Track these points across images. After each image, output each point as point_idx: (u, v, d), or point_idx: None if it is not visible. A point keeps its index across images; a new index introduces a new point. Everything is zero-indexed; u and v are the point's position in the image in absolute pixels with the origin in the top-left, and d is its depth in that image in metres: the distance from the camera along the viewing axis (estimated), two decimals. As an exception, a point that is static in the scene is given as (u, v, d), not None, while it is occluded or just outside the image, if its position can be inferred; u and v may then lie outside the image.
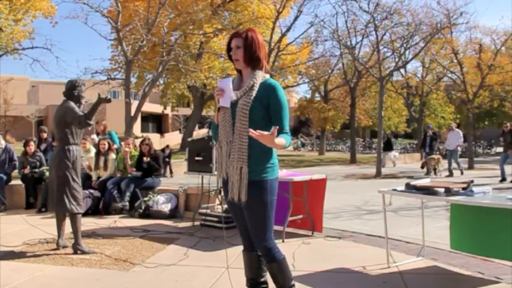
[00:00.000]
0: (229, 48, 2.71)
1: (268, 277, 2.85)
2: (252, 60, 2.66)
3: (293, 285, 2.77)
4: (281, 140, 2.53)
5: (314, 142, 37.98)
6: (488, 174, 15.03)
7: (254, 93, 2.61)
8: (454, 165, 14.49)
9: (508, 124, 13.21)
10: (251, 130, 2.46)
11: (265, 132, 2.44)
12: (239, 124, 2.59)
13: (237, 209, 2.72)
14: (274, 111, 2.62)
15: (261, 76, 2.67)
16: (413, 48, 18.36)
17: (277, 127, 2.50)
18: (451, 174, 14.14)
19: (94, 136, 8.75)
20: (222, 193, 2.90)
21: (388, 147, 19.77)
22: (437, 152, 16.38)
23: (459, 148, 14.84)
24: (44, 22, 73.95)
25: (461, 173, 14.25)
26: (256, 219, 2.65)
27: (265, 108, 2.62)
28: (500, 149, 39.33)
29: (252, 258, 2.82)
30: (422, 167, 15.24)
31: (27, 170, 7.66)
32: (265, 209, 2.64)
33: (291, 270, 2.83)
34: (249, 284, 2.85)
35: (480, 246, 4.03)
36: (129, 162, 7.42)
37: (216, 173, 5.74)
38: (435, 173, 14.68)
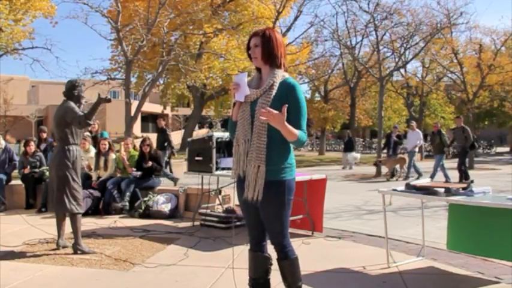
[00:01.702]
0: (248, 48, 2.74)
1: (269, 277, 2.85)
2: (270, 58, 2.68)
3: (300, 286, 2.77)
4: (295, 130, 2.54)
5: (314, 142, 38.00)
6: (484, 174, 14.98)
7: (274, 92, 2.62)
8: (433, 168, 13.24)
9: (439, 124, 12.44)
10: (262, 110, 2.49)
11: (275, 111, 2.46)
12: (258, 123, 2.59)
13: (250, 207, 2.71)
14: (292, 110, 2.61)
15: (280, 75, 2.67)
16: (413, 48, 18.38)
17: (286, 108, 2.49)
18: (419, 176, 12.93)
19: (87, 133, 8.74)
20: (236, 191, 2.87)
21: (349, 147, 18.59)
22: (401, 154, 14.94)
23: (416, 149, 13.50)
24: (44, 22, 74.01)
25: (405, 178, 12.76)
26: (272, 218, 2.67)
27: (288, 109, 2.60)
28: (500, 149, 39.16)
29: (258, 258, 2.81)
30: (375, 165, 14.50)
31: (27, 170, 7.66)
32: (282, 208, 2.65)
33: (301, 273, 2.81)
34: (252, 284, 2.84)
35: (479, 246, 4.03)
36: (127, 163, 7.41)
37: (218, 172, 5.76)
38: (392, 176, 13.75)
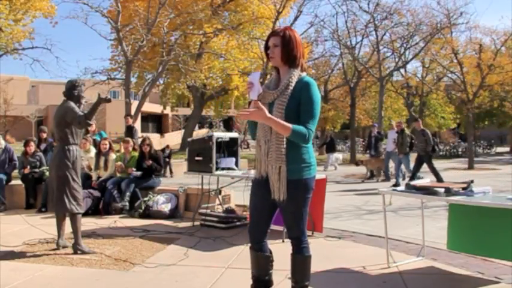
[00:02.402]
0: (266, 47, 2.74)
1: (271, 273, 2.88)
2: (289, 58, 2.69)
3: (307, 285, 2.79)
4: (287, 123, 2.53)
5: (314, 142, 38.03)
6: (481, 174, 14.97)
7: (290, 92, 2.64)
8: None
9: (402, 123, 11.95)
10: (238, 113, 2.59)
11: (250, 109, 2.54)
12: None
13: (260, 205, 2.77)
14: (303, 106, 2.62)
15: (296, 75, 2.69)
16: (413, 48, 18.40)
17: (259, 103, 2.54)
18: (387, 179, 12.69)
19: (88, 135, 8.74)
20: (251, 188, 2.91)
21: (331, 148, 17.90)
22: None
23: (396, 150, 12.23)
24: (44, 22, 73.90)
25: (403, 179, 11.83)
26: (291, 215, 2.73)
27: (299, 105, 2.63)
28: (500, 149, 39.20)
29: (259, 257, 2.85)
30: (357, 165, 14.08)
31: (27, 170, 7.66)
32: (300, 206, 2.70)
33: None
34: (254, 281, 2.90)
35: (479, 246, 4.03)
36: (122, 165, 7.39)
37: (217, 172, 5.76)
38: (372, 176, 13.42)
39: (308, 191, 2.70)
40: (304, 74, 2.72)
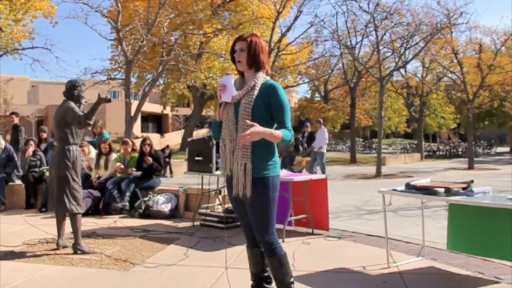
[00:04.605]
0: (233, 51, 2.83)
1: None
2: (255, 62, 2.79)
3: (292, 282, 2.82)
4: (276, 132, 2.65)
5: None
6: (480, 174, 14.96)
7: (256, 92, 2.73)
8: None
9: (308, 125, 11.60)
10: (241, 136, 2.56)
11: (248, 132, 2.52)
12: (242, 122, 2.70)
13: (241, 205, 2.81)
14: (275, 110, 2.73)
15: (262, 77, 2.79)
16: (413, 48, 18.32)
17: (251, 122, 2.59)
18: None
19: (87, 138, 8.74)
20: (227, 190, 2.97)
21: None
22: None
23: (324, 150, 11.97)
24: (44, 22, 73.81)
25: None
26: (258, 215, 2.74)
27: (267, 107, 2.73)
28: (500, 149, 39.17)
29: (255, 254, 2.90)
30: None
31: (28, 149, 7.69)
32: (267, 204, 2.73)
33: (291, 269, 2.87)
34: (253, 279, 2.93)
35: (479, 246, 4.02)
36: (122, 166, 7.37)
37: (218, 172, 5.76)
38: None
39: (274, 189, 2.75)
40: (268, 77, 2.83)
